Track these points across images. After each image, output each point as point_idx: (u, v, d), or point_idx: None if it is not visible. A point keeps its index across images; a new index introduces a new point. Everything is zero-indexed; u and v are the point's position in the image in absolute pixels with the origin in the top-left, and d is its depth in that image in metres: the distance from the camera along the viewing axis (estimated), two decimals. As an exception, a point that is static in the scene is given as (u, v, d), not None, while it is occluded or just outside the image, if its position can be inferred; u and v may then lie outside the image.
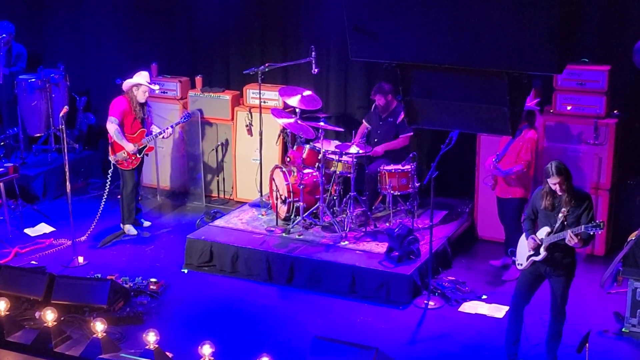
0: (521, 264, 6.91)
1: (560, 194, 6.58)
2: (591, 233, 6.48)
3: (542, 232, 6.70)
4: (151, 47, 11.64)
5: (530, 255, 6.78)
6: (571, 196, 6.56)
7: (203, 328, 7.72)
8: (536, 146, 8.53)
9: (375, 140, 9.49)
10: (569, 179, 6.55)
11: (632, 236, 7.67)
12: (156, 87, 10.08)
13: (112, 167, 9.66)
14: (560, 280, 6.74)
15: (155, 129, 9.73)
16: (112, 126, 9.47)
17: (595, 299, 8.14)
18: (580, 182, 8.36)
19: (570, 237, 6.47)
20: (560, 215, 6.58)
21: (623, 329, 7.56)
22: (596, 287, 8.09)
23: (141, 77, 9.55)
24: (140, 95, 9.52)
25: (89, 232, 9.71)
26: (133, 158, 9.60)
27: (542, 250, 6.68)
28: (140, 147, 9.56)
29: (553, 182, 6.54)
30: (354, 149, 8.98)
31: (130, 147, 9.49)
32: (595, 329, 7.43)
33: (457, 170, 10.16)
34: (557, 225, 6.60)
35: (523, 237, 6.91)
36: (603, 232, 8.85)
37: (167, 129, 9.75)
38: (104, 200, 9.79)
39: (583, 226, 6.46)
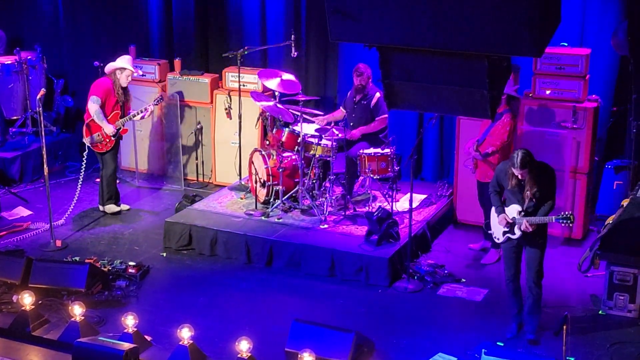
0: (498, 238, 7.07)
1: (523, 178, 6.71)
2: (562, 224, 6.65)
3: (513, 211, 6.84)
4: (129, 29, 11.52)
5: (506, 232, 6.94)
6: (536, 178, 6.69)
7: (182, 311, 7.69)
8: (513, 130, 8.53)
9: (351, 124, 9.45)
10: (533, 165, 6.65)
11: (610, 220, 7.73)
12: (139, 72, 10.01)
13: (87, 149, 9.59)
14: (535, 250, 6.93)
15: (132, 112, 9.64)
16: (93, 106, 9.36)
17: (572, 281, 8.20)
18: (559, 166, 8.40)
19: (526, 227, 6.72)
20: (527, 193, 6.72)
21: (600, 312, 7.63)
22: (574, 270, 8.14)
23: (124, 60, 9.47)
24: (124, 79, 9.44)
25: (66, 215, 9.64)
26: (107, 140, 9.52)
27: (516, 230, 6.86)
28: (116, 128, 9.49)
29: (517, 172, 6.66)
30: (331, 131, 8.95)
31: (110, 129, 9.41)
32: (572, 311, 7.49)
33: (437, 154, 10.17)
34: (526, 203, 6.74)
35: (494, 210, 7.02)
36: (581, 215, 8.95)
37: (148, 107, 9.63)
38: (80, 183, 9.71)
39: (554, 217, 6.66)
